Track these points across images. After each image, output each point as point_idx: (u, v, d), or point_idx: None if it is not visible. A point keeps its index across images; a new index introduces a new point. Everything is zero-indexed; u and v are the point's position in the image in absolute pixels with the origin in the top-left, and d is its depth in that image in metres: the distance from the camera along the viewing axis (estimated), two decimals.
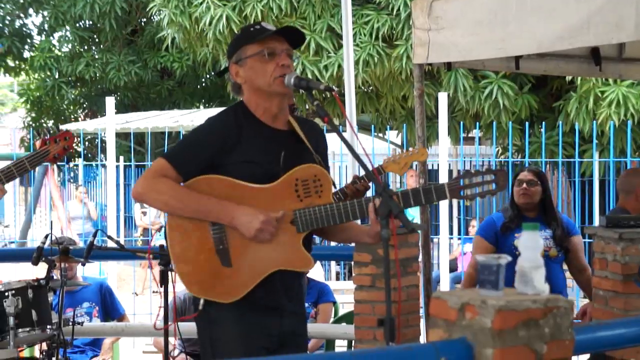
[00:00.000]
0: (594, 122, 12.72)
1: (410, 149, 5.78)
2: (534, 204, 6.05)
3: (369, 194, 5.29)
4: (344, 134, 3.73)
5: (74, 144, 4.44)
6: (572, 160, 12.93)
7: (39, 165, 4.44)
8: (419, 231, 5.86)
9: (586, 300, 6.68)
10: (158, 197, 3.59)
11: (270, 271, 3.59)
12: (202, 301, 3.62)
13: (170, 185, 3.55)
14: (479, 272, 2.68)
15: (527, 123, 12.48)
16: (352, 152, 3.58)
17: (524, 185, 5.99)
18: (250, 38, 3.64)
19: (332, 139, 11.89)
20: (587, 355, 4.81)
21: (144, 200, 3.75)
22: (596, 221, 11.74)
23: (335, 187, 3.88)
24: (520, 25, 5.05)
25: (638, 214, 5.59)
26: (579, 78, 13.05)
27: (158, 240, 10.09)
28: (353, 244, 5.47)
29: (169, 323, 4.78)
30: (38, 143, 4.23)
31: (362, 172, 5.30)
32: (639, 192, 5.83)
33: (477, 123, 13.40)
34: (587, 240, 8.00)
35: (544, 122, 12.90)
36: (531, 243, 2.69)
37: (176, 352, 6.57)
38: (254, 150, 3.61)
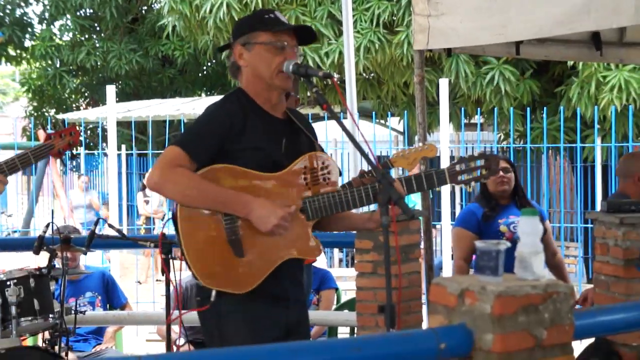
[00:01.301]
0: (596, 107, 12.72)
1: (420, 144, 5.80)
2: (509, 192, 6.12)
3: None
4: (344, 121, 3.74)
5: (79, 138, 4.42)
6: (574, 145, 12.93)
7: (43, 158, 4.44)
8: (420, 218, 5.87)
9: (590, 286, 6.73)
10: (175, 188, 3.53)
11: (282, 260, 3.59)
12: (214, 292, 3.57)
13: (188, 176, 3.50)
14: (478, 258, 2.68)
15: (528, 109, 12.48)
16: (351, 140, 3.59)
17: (501, 172, 6.00)
18: (264, 25, 3.63)
19: (333, 127, 11.89)
20: (590, 340, 4.80)
21: (160, 191, 3.69)
22: (598, 206, 11.75)
23: (341, 175, 3.89)
24: (520, 10, 5.04)
25: (639, 199, 5.59)
26: (581, 63, 13.04)
27: (160, 229, 10.11)
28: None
29: (172, 312, 4.79)
30: (41, 135, 4.25)
31: (359, 161, 5.31)
32: (638, 176, 5.83)
33: (479, 109, 13.40)
34: (589, 225, 8.02)
35: (545, 108, 12.90)
36: (530, 229, 2.69)
37: (180, 340, 6.58)
38: (260, 136, 3.60)
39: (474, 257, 6.56)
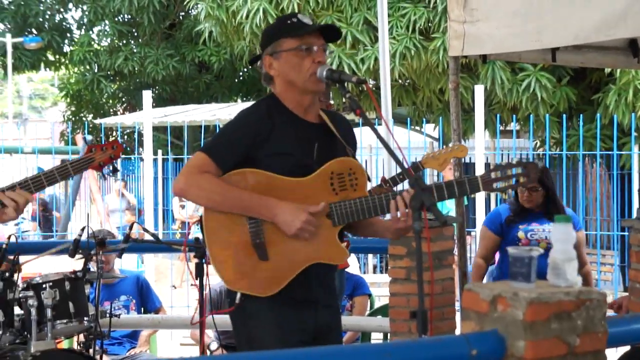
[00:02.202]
0: (633, 114, 12.60)
1: (450, 144, 5.78)
2: (537, 204, 6.16)
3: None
4: (379, 127, 3.72)
5: (121, 152, 4.41)
6: (610, 153, 12.82)
7: (83, 171, 4.44)
8: (454, 224, 5.86)
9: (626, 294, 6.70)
10: (200, 193, 3.58)
11: (306, 264, 3.59)
12: (239, 295, 3.61)
13: (212, 181, 3.54)
14: (511, 265, 2.67)
15: (565, 116, 12.39)
16: (384, 145, 3.57)
17: (526, 193, 6.05)
18: (287, 32, 3.62)
19: (368, 133, 11.88)
20: (626, 348, 4.76)
21: (185, 196, 3.73)
22: (635, 214, 11.66)
23: (369, 181, 3.87)
24: (556, 16, 5.01)
25: None
26: (619, 70, 12.94)
27: (196, 233, 10.15)
28: None
29: (205, 316, 4.81)
30: (79, 140, 4.26)
31: (394, 167, 5.30)
32: None
33: (515, 116, 13.33)
34: (625, 233, 7.96)
35: (582, 115, 12.79)
36: (563, 235, 2.68)
37: (214, 345, 6.60)
38: (288, 142, 3.60)
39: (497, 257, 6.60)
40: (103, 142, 4.36)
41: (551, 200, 6.15)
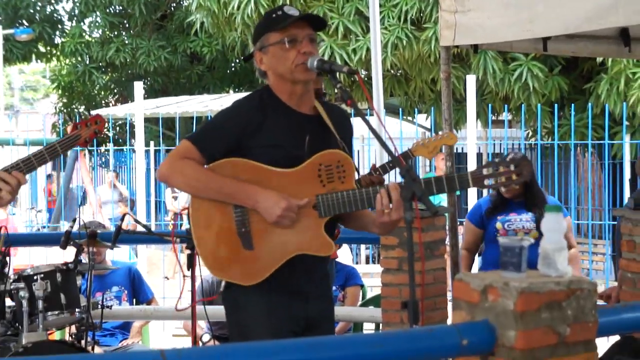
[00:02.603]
0: (625, 103, 12.63)
1: (440, 132, 5.77)
2: (517, 194, 6.14)
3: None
4: (370, 118, 3.71)
5: (104, 128, 4.41)
6: (602, 142, 12.87)
7: (71, 149, 4.44)
8: (446, 214, 5.85)
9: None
10: (181, 179, 3.62)
11: (291, 255, 3.59)
12: (223, 283, 3.67)
13: (194, 167, 3.58)
14: (502, 255, 2.67)
15: (556, 105, 12.43)
16: (375, 136, 3.57)
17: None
18: (272, 26, 3.64)
19: (360, 123, 11.88)
20: (617, 338, 4.77)
21: (167, 182, 3.78)
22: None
23: (358, 174, 3.86)
24: (548, 5, 5.00)
25: None
26: (610, 59, 12.95)
27: (187, 225, 10.13)
28: None
29: (192, 304, 4.82)
30: (69, 128, 4.23)
31: (385, 158, 5.29)
32: None
33: (506, 106, 13.35)
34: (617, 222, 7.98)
35: (573, 105, 12.83)
36: (554, 225, 2.67)
37: (206, 337, 6.60)
38: (279, 133, 3.61)
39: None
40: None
41: (530, 190, 6.13)
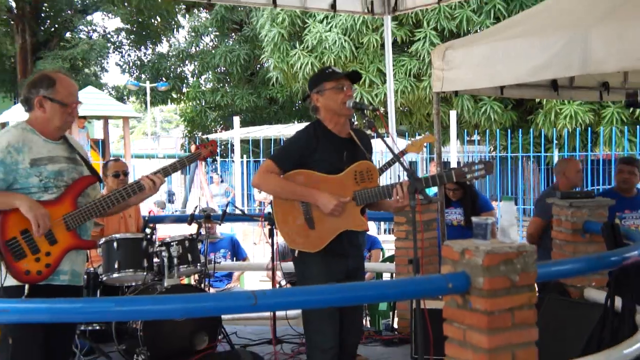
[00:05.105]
0: (555, 129, 12.47)
1: (423, 135, 5.73)
2: (458, 197, 5.82)
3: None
4: (387, 139, 3.71)
5: (217, 148, 4.41)
6: (540, 154, 12.71)
7: (194, 162, 4.44)
8: (437, 202, 5.80)
9: None
10: (268, 187, 3.63)
11: (340, 231, 3.59)
12: (297, 251, 3.64)
13: (275, 179, 3.58)
14: (474, 228, 2.66)
15: (509, 130, 12.28)
16: (391, 151, 3.58)
17: (451, 191, 5.79)
18: (328, 77, 3.63)
19: (380, 142, 11.83)
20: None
21: (259, 188, 3.79)
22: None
23: (380, 175, 3.85)
24: (504, 65, 4.94)
25: (565, 188, 5.47)
26: (545, 100, 12.80)
27: (268, 209, 10.17)
28: None
29: (275, 262, 4.84)
30: (193, 147, 4.21)
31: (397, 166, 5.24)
32: (565, 173, 5.71)
33: (476, 131, 13.22)
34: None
35: (520, 129, 12.68)
36: (508, 208, 2.67)
37: (282, 282, 6.62)
38: (327, 151, 3.60)
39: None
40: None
41: (467, 194, 5.82)
